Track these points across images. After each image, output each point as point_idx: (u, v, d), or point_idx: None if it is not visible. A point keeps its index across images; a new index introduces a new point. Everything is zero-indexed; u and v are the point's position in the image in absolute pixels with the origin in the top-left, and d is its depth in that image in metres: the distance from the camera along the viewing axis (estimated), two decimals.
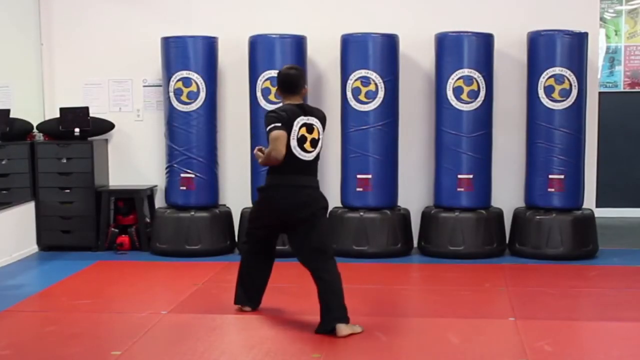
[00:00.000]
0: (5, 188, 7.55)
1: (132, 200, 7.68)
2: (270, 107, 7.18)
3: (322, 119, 5.30)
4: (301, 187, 5.18)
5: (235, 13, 7.74)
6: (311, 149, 5.18)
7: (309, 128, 5.18)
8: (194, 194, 7.43)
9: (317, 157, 5.26)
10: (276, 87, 5.42)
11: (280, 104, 5.36)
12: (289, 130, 5.10)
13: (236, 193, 7.69)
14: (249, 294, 5.52)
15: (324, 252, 5.15)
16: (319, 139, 5.22)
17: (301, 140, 5.14)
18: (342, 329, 4.96)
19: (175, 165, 7.44)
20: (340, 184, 7.36)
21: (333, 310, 5.01)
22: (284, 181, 5.18)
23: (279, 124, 5.09)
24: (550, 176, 7.16)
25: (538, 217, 7.18)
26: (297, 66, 5.53)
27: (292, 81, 5.25)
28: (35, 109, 7.90)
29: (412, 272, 6.97)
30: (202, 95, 7.36)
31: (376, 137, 7.20)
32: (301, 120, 5.15)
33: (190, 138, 7.40)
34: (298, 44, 7.31)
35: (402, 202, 7.47)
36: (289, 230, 5.26)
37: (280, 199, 5.18)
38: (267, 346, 4.80)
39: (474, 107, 7.16)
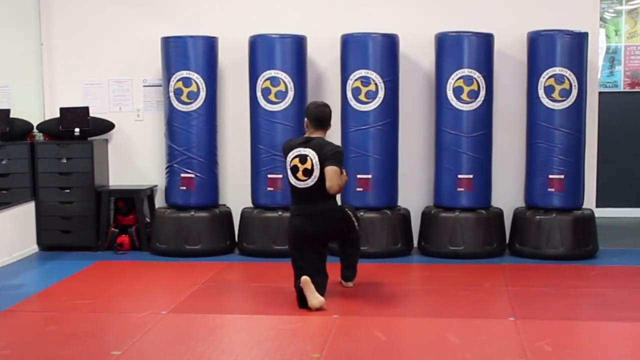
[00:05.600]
0: (5, 188, 7.54)
1: (132, 200, 7.68)
2: (270, 107, 7.24)
3: (326, 154, 5.62)
4: (311, 215, 5.67)
5: (235, 13, 7.74)
6: (304, 178, 5.66)
7: (302, 158, 5.67)
8: (194, 194, 7.42)
9: (319, 184, 5.62)
10: (305, 120, 5.84)
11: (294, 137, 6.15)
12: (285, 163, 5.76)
13: (236, 193, 7.69)
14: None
15: (358, 239, 6.04)
16: (312, 169, 5.63)
17: (293, 170, 5.70)
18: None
19: (175, 165, 7.44)
20: None
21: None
22: (295, 211, 5.77)
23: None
24: (550, 176, 7.16)
25: (538, 217, 7.18)
26: (327, 104, 5.93)
27: (324, 118, 5.80)
28: (35, 109, 7.89)
29: (412, 272, 6.97)
30: (202, 95, 7.36)
31: (376, 137, 7.20)
32: (296, 151, 5.70)
33: (190, 138, 7.39)
34: (298, 44, 7.31)
35: (402, 202, 7.47)
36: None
37: (297, 226, 5.71)
38: (267, 346, 4.80)
39: (474, 107, 7.16)
